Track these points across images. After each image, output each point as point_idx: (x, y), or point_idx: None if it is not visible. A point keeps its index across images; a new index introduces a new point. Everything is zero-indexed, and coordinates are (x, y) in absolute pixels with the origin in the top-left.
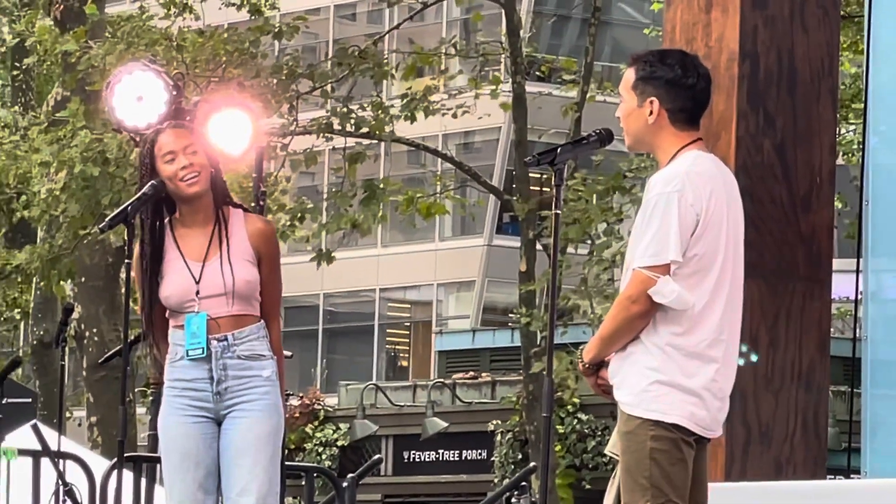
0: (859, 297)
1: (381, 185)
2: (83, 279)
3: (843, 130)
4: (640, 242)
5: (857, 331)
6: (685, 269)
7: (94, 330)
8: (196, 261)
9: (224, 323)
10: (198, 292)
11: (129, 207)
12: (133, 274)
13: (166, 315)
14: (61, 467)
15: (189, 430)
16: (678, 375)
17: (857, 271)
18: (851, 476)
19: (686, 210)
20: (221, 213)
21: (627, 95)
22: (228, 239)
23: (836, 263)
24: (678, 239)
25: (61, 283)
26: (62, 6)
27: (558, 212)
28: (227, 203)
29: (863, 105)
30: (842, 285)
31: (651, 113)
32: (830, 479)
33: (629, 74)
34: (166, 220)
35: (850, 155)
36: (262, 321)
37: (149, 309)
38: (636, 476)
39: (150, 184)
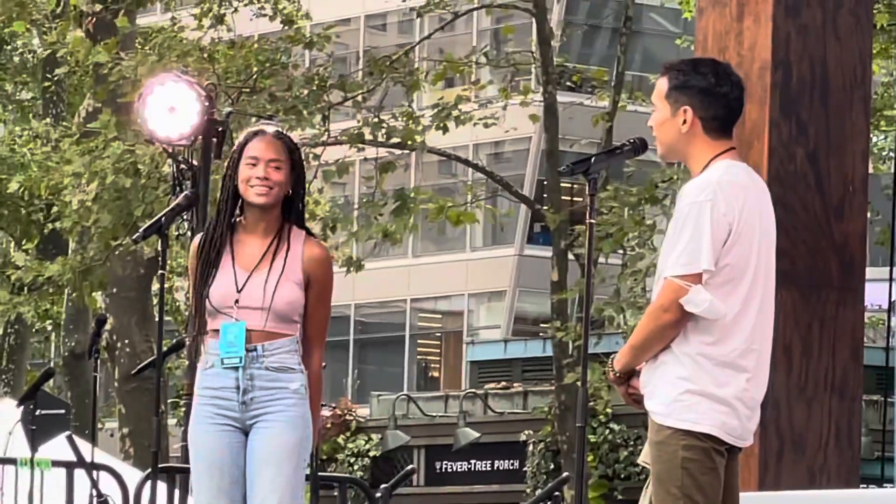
0: (892, 305)
1: (412, 195)
2: (115, 290)
3: (874, 139)
4: (672, 251)
5: (890, 339)
6: (717, 278)
7: (126, 341)
8: (244, 269)
9: (256, 336)
10: (237, 301)
11: (164, 218)
12: (189, 263)
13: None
14: (95, 478)
15: (215, 438)
16: (709, 385)
17: (891, 280)
18: (884, 485)
19: (719, 219)
20: (284, 230)
21: (661, 104)
22: (284, 256)
23: (868, 272)
24: (711, 248)
25: (93, 294)
26: (94, 18)
27: (592, 221)
28: (294, 223)
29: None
30: (873, 294)
31: (685, 122)
32: (863, 488)
33: (662, 84)
34: (233, 220)
35: (880, 163)
36: (295, 336)
37: (199, 299)
38: (668, 486)
39: (183, 194)
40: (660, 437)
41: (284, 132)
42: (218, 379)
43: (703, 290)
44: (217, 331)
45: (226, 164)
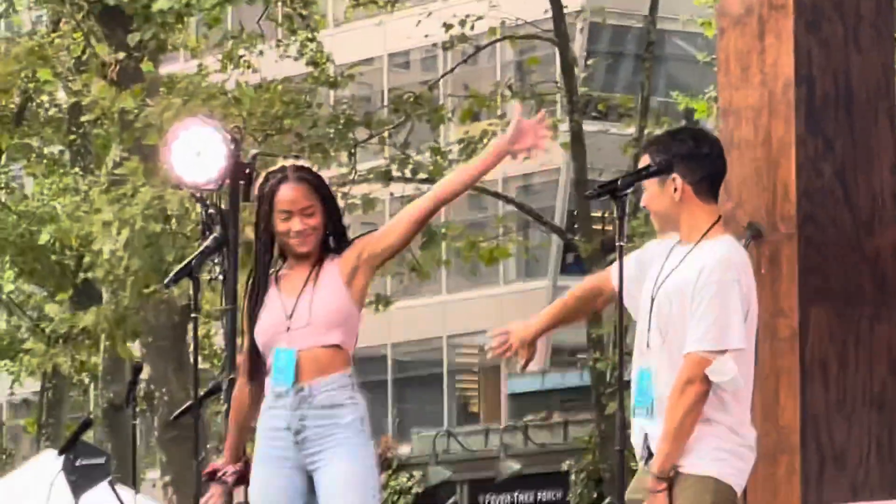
0: None
1: (443, 230)
2: (150, 339)
3: None
4: (697, 327)
5: None
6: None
7: (164, 389)
8: (290, 296)
9: (307, 362)
10: (288, 328)
11: (194, 261)
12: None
13: (264, 359)
14: None
15: (271, 479)
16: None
17: None
18: None
19: (743, 300)
20: (323, 261)
21: (647, 183)
22: (319, 273)
23: None
24: (741, 327)
25: (127, 343)
26: (117, 66)
27: (622, 244)
28: (333, 252)
29: None
30: None
31: (675, 190)
32: None
33: (645, 161)
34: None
35: None
36: (349, 368)
37: (250, 341)
38: None
39: (212, 237)
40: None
41: (303, 164)
42: (274, 420)
43: (730, 360)
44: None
45: (257, 211)
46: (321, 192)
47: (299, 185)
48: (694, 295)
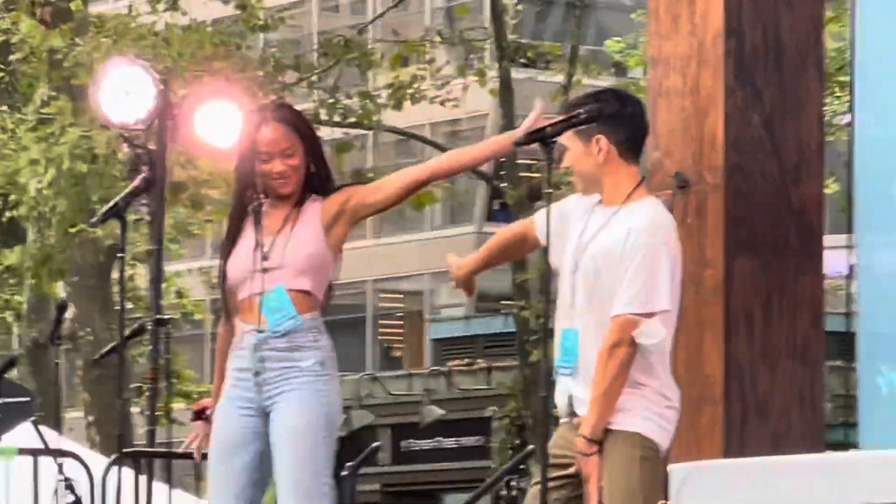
0: (852, 271)
1: (371, 175)
2: (76, 278)
3: (827, 105)
4: (626, 291)
5: (850, 306)
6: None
7: (88, 329)
8: (268, 235)
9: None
10: (264, 269)
11: (121, 201)
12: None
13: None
14: (60, 465)
15: (231, 420)
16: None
17: (850, 246)
18: (848, 450)
19: (670, 263)
20: (304, 201)
21: (571, 142)
22: (299, 215)
23: (826, 240)
24: (669, 289)
25: (53, 282)
26: (47, 6)
27: (550, 191)
28: (315, 191)
29: (849, 79)
30: (831, 261)
31: (600, 150)
32: (828, 453)
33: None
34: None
35: (835, 129)
36: (316, 312)
37: (220, 289)
38: None
39: (141, 177)
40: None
41: (284, 103)
42: (238, 361)
43: (658, 323)
44: (245, 304)
45: (238, 151)
46: (302, 131)
47: (279, 126)
48: (622, 259)
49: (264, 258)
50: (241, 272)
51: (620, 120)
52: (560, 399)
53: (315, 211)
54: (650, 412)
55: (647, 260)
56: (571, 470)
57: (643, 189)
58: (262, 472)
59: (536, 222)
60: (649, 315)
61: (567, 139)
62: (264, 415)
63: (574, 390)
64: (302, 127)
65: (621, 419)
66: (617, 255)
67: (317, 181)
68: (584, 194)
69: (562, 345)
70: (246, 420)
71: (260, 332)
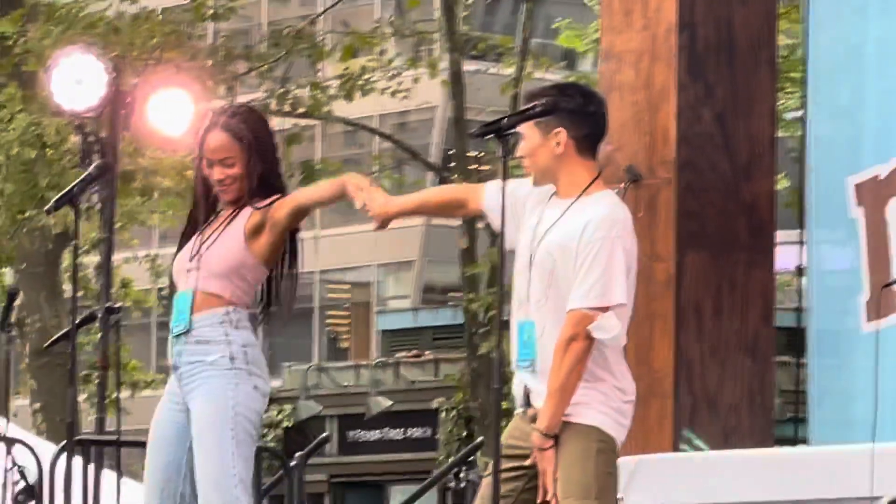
0: (803, 267)
1: (319, 166)
2: (23, 265)
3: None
4: (581, 285)
5: (801, 301)
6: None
7: (36, 316)
8: (203, 238)
9: (195, 299)
10: (188, 269)
11: (75, 189)
12: None
13: None
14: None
15: (161, 414)
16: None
17: (801, 242)
18: (798, 445)
19: (626, 256)
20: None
21: (530, 131)
22: (231, 221)
23: (778, 235)
24: (624, 283)
25: (1, 269)
26: None
27: (506, 183)
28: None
29: (802, 76)
30: (782, 257)
31: (558, 143)
32: (778, 448)
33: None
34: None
35: (786, 126)
36: (232, 307)
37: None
38: None
39: (95, 165)
40: None
41: (240, 109)
42: (171, 357)
43: (613, 317)
44: None
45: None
46: (246, 141)
47: (223, 134)
48: (578, 252)
49: (191, 259)
50: (176, 270)
51: (583, 116)
52: (516, 390)
53: (243, 218)
54: (607, 406)
55: (602, 253)
56: (527, 462)
57: (600, 182)
58: (191, 465)
59: (486, 197)
60: (604, 309)
61: (525, 128)
62: (187, 409)
63: (531, 384)
64: (247, 136)
65: (578, 412)
66: (572, 248)
67: (262, 190)
68: (536, 185)
69: (519, 338)
70: (174, 415)
71: (180, 326)
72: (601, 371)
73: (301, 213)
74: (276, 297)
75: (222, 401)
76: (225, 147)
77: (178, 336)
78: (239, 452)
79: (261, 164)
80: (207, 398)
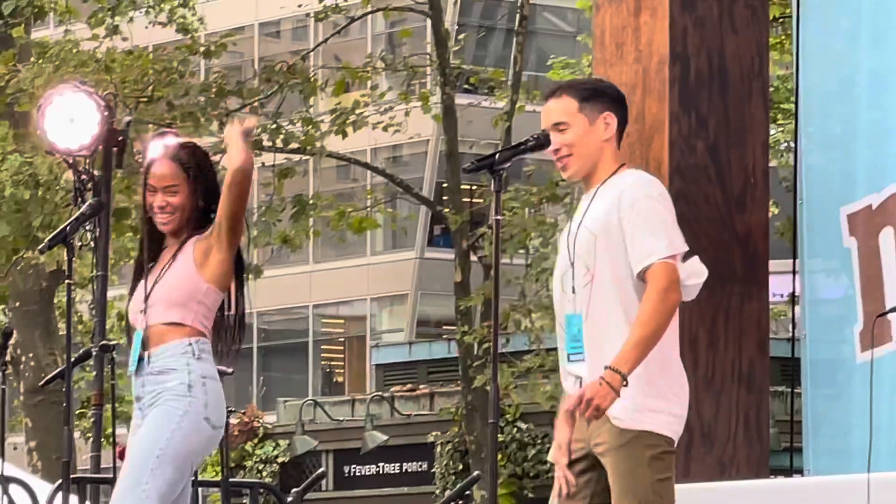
0: (796, 297)
1: (312, 201)
2: (17, 304)
3: (772, 131)
4: (645, 242)
5: (795, 331)
6: None
7: (31, 354)
8: (154, 276)
9: (153, 336)
10: (143, 309)
11: (68, 227)
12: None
13: None
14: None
15: (131, 443)
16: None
17: (794, 272)
18: (793, 475)
19: (671, 211)
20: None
21: (573, 119)
22: (177, 254)
23: (770, 265)
24: (680, 234)
25: None
26: None
27: (499, 217)
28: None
29: (794, 106)
30: (775, 286)
31: (607, 126)
32: (773, 478)
33: (567, 102)
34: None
35: (779, 156)
36: (191, 338)
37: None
38: None
39: (88, 203)
40: None
41: (185, 143)
42: (134, 390)
43: (697, 260)
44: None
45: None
46: (191, 172)
47: (168, 163)
48: (623, 218)
49: (146, 299)
50: (132, 312)
51: (620, 104)
52: (568, 386)
53: (190, 248)
54: (669, 408)
55: (652, 210)
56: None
57: (627, 166)
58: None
59: None
60: (673, 257)
61: (568, 116)
62: None
63: (583, 372)
64: (191, 167)
65: (638, 417)
66: (614, 219)
67: (201, 220)
68: (573, 178)
69: (568, 332)
70: None
71: (142, 360)
72: (674, 352)
73: (231, 209)
74: (224, 335)
75: (165, 422)
76: (172, 175)
77: (137, 371)
78: (161, 472)
79: (202, 199)
80: (153, 418)
